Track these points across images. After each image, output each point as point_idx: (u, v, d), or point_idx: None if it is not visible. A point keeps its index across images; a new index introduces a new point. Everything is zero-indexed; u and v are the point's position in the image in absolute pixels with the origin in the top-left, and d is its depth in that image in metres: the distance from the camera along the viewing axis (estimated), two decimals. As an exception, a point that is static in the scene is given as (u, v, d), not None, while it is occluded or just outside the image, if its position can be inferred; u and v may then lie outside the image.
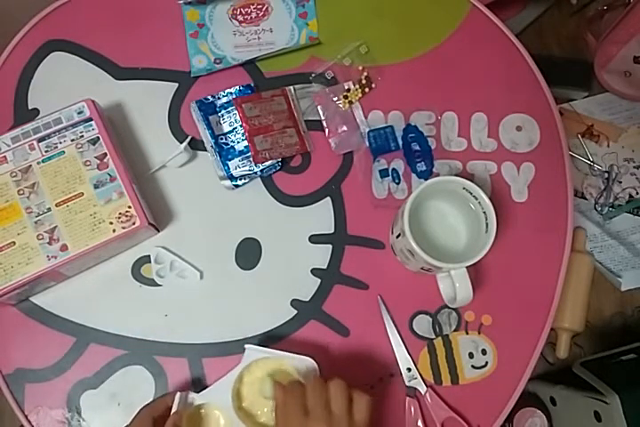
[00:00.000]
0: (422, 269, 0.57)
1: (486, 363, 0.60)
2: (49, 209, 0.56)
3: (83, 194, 0.56)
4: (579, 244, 1.11)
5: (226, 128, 0.63)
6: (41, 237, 0.55)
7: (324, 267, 0.62)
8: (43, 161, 0.57)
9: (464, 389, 0.60)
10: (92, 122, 0.58)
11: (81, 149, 0.58)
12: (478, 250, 0.52)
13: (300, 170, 0.64)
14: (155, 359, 0.59)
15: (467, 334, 0.61)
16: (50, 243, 0.55)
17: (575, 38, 1.28)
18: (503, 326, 0.61)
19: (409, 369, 0.59)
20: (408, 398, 0.58)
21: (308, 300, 0.61)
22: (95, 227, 0.56)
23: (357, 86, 0.66)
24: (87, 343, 0.59)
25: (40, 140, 0.58)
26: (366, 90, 0.66)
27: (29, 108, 0.64)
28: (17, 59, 0.66)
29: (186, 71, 0.66)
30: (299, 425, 0.45)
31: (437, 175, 0.64)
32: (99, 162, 0.57)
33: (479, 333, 0.61)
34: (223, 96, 0.64)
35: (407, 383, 0.59)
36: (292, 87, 0.65)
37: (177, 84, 0.66)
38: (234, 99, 0.63)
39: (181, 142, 0.62)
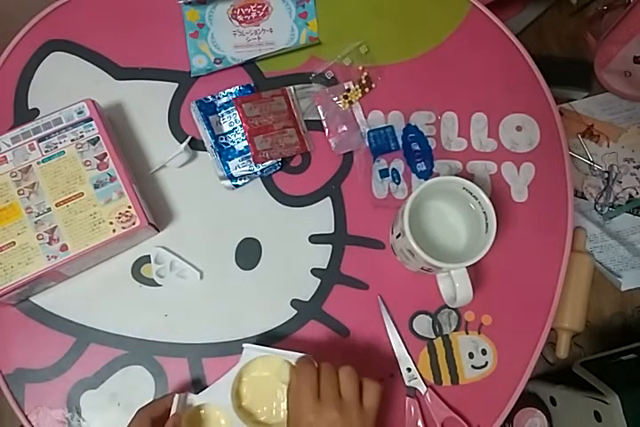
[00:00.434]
0: (422, 269, 0.57)
1: (486, 363, 0.60)
2: (49, 209, 0.56)
3: (83, 194, 0.56)
4: (579, 244, 1.11)
5: (226, 128, 0.63)
6: (41, 237, 0.55)
7: (324, 267, 0.62)
8: (43, 161, 0.57)
9: (464, 389, 0.60)
10: (92, 122, 0.58)
11: (81, 149, 0.58)
12: (478, 250, 0.52)
13: (300, 170, 0.64)
14: (155, 359, 0.59)
15: (467, 334, 0.61)
16: (50, 243, 0.55)
17: (575, 38, 1.28)
18: (503, 326, 0.61)
19: (409, 369, 0.59)
20: (408, 398, 0.58)
21: (308, 300, 0.61)
22: (95, 227, 0.56)
23: (357, 86, 0.66)
24: (87, 343, 0.59)
25: (40, 140, 0.58)
26: (366, 90, 0.66)
27: (29, 108, 0.64)
28: (17, 59, 0.66)
29: (186, 71, 0.66)
30: (309, 408, 0.46)
31: (437, 175, 0.64)
32: (99, 162, 0.57)
33: (479, 333, 0.61)
34: (223, 96, 0.64)
35: (407, 383, 0.59)
36: (291, 87, 0.65)
37: (177, 84, 0.66)
38: (234, 99, 0.63)
39: (181, 142, 0.62)
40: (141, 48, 0.66)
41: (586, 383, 0.96)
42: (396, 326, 0.60)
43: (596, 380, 0.94)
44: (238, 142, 0.63)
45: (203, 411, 0.53)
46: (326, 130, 0.65)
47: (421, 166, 0.64)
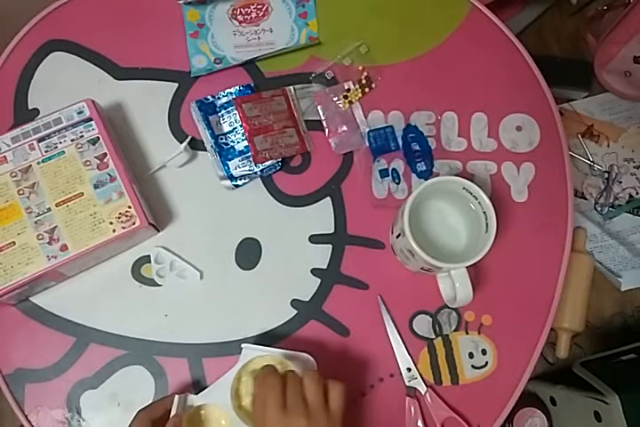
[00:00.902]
0: (422, 269, 0.57)
1: (486, 363, 0.60)
2: (49, 209, 0.56)
3: (83, 194, 0.56)
4: (579, 244, 1.11)
5: (226, 128, 0.63)
6: (41, 237, 0.55)
7: (324, 267, 0.62)
8: (43, 161, 0.57)
9: (464, 389, 0.60)
10: (92, 122, 0.58)
11: (81, 149, 0.58)
12: (478, 250, 0.52)
13: (300, 170, 0.64)
14: (155, 359, 0.59)
15: (467, 334, 0.61)
16: (50, 243, 0.55)
17: (575, 38, 1.28)
18: (503, 326, 0.61)
19: (409, 369, 0.59)
20: (408, 398, 0.58)
21: (308, 300, 0.61)
22: (95, 227, 0.56)
23: (357, 86, 0.66)
24: (87, 343, 0.59)
25: (40, 140, 0.58)
26: (366, 90, 0.66)
27: (29, 108, 0.64)
28: (17, 59, 0.66)
29: (186, 71, 0.66)
30: (276, 419, 0.45)
31: (437, 175, 0.64)
32: (99, 162, 0.57)
33: (479, 333, 0.61)
34: (223, 96, 0.64)
35: (407, 383, 0.59)
36: (291, 87, 0.65)
37: (177, 84, 0.66)
38: (234, 99, 0.63)
39: (181, 142, 0.62)
40: (141, 48, 0.66)
41: (586, 383, 0.96)
42: (396, 326, 0.60)
43: (595, 380, 0.94)
44: (238, 142, 0.63)
45: (203, 411, 0.53)
46: (326, 130, 0.65)
47: (421, 166, 0.64)
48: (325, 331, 0.60)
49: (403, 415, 0.58)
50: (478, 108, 0.66)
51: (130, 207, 0.56)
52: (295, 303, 0.61)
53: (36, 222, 0.55)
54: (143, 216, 0.56)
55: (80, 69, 0.66)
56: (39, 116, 0.63)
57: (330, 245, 0.62)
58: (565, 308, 1.05)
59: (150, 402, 0.54)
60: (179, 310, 0.60)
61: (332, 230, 0.63)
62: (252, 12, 0.67)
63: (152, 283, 0.60)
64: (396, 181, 0.64)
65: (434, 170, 0.64)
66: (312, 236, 0.62)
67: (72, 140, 0.58)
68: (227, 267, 0.61)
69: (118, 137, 0.62)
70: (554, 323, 0.62)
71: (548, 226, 0.64)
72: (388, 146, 0.64)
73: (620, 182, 1.17)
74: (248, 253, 0.62)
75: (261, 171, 0.62)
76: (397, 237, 0.57)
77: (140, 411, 0.51)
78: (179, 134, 0.64)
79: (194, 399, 0.52)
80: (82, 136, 0.58)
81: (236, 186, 0.63)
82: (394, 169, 0.64)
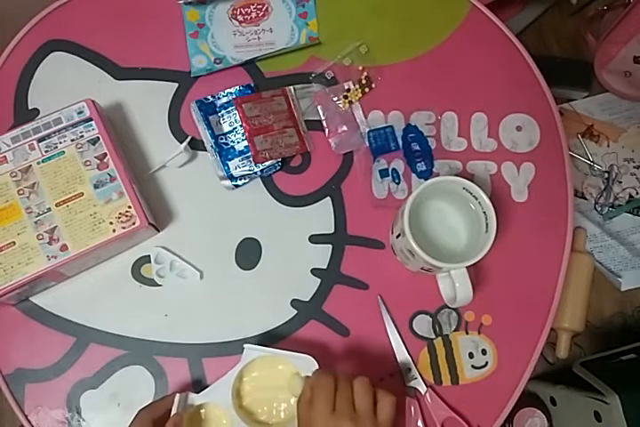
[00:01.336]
0: (422, 269, 0.57)
1: (486, 363, 0.60)
2: (49, 209, 0.56)
3: (83, 194, 0.56)
4: (579, 244, 1.11)
5: (226, 128, 0.63)
6: (41, 237, 0.55)
7: (324, 267, 0.62)
8: (43, 161, 0.57)
9: (464, 389, 0.60)
10: (92, 122, 0.58)
11: (81, 149, 0.58)
12: (478, 250, 0.52)
13: (300, 170, 0.64)
14: (155, 359, 0.59)
15: (467, 334, 0.61)
16: (50, 243, 0.55)
17: (575, 38, 1.28)
18: (503, 326, 0.61)
19: (409, 369, 0.59)
20: (408, 398, 0.58)
21: (308, 300, 0.61)
22: (95, 227, 0.56)
23: (357, 86, 0.66)
24: (87, 343, 0.59)
25: (40, 140, 0.58)
26: (366, 90, 0.66)
27: (29, 108, 0.64)
28: (17, 59, 0.66)
29: (186, 71, 0.66)
30: (324, 422, 0.45)
31: (437, 175, 0.64)
32: (99, 162, 0.57)
33: (479, 333, 0.61)
34: (223, 96, 0.64)
35: (407, 383, 0.59)
36: (291, 87, 0.65)
37: (177, 84, 0.66)
38: (234, 99, 0.63)
39: (181, 142, 0.62)
40: (141, 48, 0.66)
41: (586, 383, 0.96)
42: (396, 326, 0.60)
43: (596, 380, 0.94)
44: (238, 142, 0.63)
45: (204, 410, 0.53)
46: (326, 130, 0.65)
47: (421, 166, 0.64)
48: (325, 331, 0.60)
49: (403, 415, 0.58)
50: (478, 108, 0.66)
51: (130, 207, 0.56)
52: (295, 303, 0.61)
53: (35, 222, 0.55)
54: (143, 216, 0.56)
55: (80, 69, 0.66)
56: (39, 116, 0.63)
57: (330, 245, 0.62)
58: (565, 308, 1.05)
59: (151, 401, 0.54)
60: (179, 310, 0.60)
61: (332, 230, 0.63)
62: (252, 11, 0.67)
63: (152, 283, 0.60)
64: (396, 181, 0.64)
65: (434, 170, 0.64)
66: (312, 236, 0.62)
67: (72, 140, 0.58)
68: (227, 267, 0.61)
69: (118, 137, 0.62)
70: (554, 323, 0.62)
71: (547, 226, 0.64)
72: (387, 146, 0.64)
73: (620, 182, 1.17)
74: (248, 253, 0.62)
75: (261, 171, 0.62)
76: (397, 237, 0.57)
77: (141, 410, 0.51)
78: (179, 134, 0.64)
79: (195, 398, 0.52)
80: (82, 136, 0.58)
81: (236, 186, 0.63)
82: (394, 169, 0.64)
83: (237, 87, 0.64)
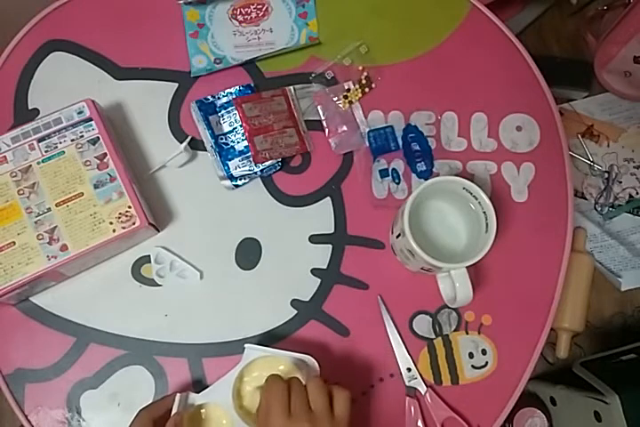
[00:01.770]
0: (422, 269, 0.57)
1: (486, 363, 0.60)
2: (49, 209, 0.56)
3: (83, 194, 0.56)
4: (579, 244, 1.11)
5: (226, 128, 0.63)
6: (41, 237, 0.55)
7: (324, 267, 0.62)
8: (43, 161, 0.57)
9: (464, 389, 0.60)
10: (92, 122, 0.58)
11: (81, 149, 0.58)
12: (478, 250, 0.52)
13: (300, 170, 0.64)
14: (155, 359, 0.59)
15: (467, 334, 0.61)
16: (50, 243, 0.55)
17: (575, 38, 1.28)
18: (503, 326, 0.61)
19: (409, 369, 0.59)
20: (408, 398, 0.58)
21: (308, 300, 0.61)
22: (95, 227, 0.56)
23: (357, 86, 0.66)
24: (87, 343, 0.59)
25: (40, 140, 0.58)
26: (366, 90, 0.66)
27: (29, 108, 0.64)
28: (17, 59, 0.66)
29: (186, 71, 0.66)
30: (281, 426, 0.45)
31: (437, 175, 0.64)
32: (99, 162, 0.57)
33: (479, 333, 0.61)
34: (223, 96, 0.64)
35: (407, 383, 0.59)
36: (292, 87, 0.65)
37: (177, 84, 0.66)
38: (234, 99, 0.63)
39: (181, 142, 0.62)
40: (141, 48, 0.66)
41: (586, 383, 0.96)
42: (396, 326, 0.60)
43: (596, 380, 0.94)
44: (238, 142, 0.63)
45: (204, 410, 0.53)
46: (326, 130, 0.65)
47: (421, 166, 0.64)
48: (325, 331, 0.60)
49: (403, 415, 0.58)
50: (478, 108, 0.66)
51: (130, 207, 0.56)
52: (295, 303, 0.61)
53: (35, 222, 0.55)
54: (143, 216, 0.56)
55: (80, 69, 0.66)
56: (39, 116, 0.63)
57: (330, 245, 0.62)
58: (565, 308, 1.05)
59: (151, 401, 0.54)
60: (179, 310, 0.60)
61: (332, 230, 0.63)
62: (252, 12, 0.67)
63: (152, 283, 0.60)
64: (396, 181, 0.64)
65: (434, 170, 0.64)
66: (312, 236, 0.62)
67: (72, 140, 0.58)
68: (227, 267, 0.61)
69: (118, 137, 0.62)
70: (554, 323, 0.62)
71: (547, 226, 0.64)
72: (387, 146, 0.64)
73: (620, 182, 1.17)
74: (248, 253, 0.62)
75: (261, 171, 0.62)
76: (397, 237, 0.57)
77: (141, 410, 0.51)
78: (179, 134, 0.64)
79: (195, 398, 0.52)
80: (82, 136, 0.58)
81: (236, 186, 0.63)
82: (394, 169, 0.64)
83: (237, 87, 0.64)
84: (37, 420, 0.57)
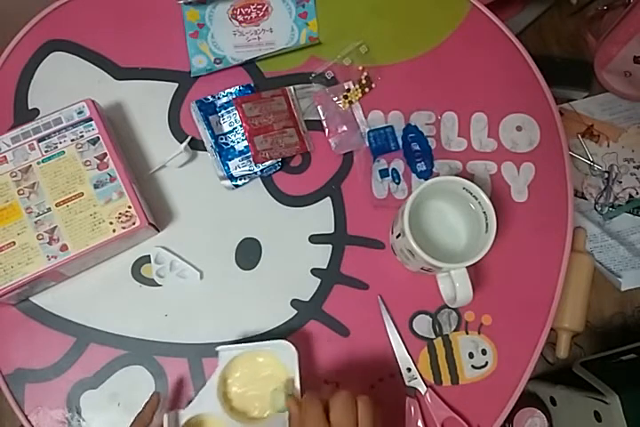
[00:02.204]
0: (422, 269, 0.57)
1: (486, 363, 0.60)
2: (49, 209, 0.56)
3: (83, 194, 0.56)
4: (579, 244, 1.11)
5: (226, 128, 0.63)
6: (41, 237, 0.55)
7: (324, 267, 0.62)
8: (43, 161, 0.57)
9: (464, 389, 0.60)
10: (92, 122, 0.58)
11: (81, 149, 0.58)
12: (478, 250, 0.52)
13: (300, 170, 0.64)
14: (155, 359, 0.59)
15: (467, 334, 0.61)
16: (50, 243, 0.55)
17: (575, 38, 1.28)
18: (503, 326, 0.61)
19: (409, 369, 0.59)
20: (408, 398, 0.58)
21: (308, 300, 0.61)
22: (95, 227, 0.56)
23: (357, 86, 0.66)
24: (87, 343, 0.59)
25: (40, 140, 0.58)
26: (366, 90, 0.66)
27: (29, 108, 0.64)
28: (17, 59, 0.66)
29: (186, 71, 0.66)
30: None
31: (437, 175, 0.64)
32: (99, 162, 0.57)
33: (479, 333, 0.61)
34: (223, 96, 0.64)
35: (407, 383, 0.59)
36: (292, 87, 0.65)
37: (177, 84, 0.66)
38: (234, 99, 0.63)
39: (181, 142, 0.62)
40: (141, 48, 0.66)
41: (586, 383, 0.96)
42: (396, 326, 0.60)
43: (596, 380, 0.94)
44: (238, 142, 0.63)
45: (198, 421, 0.53)
46: (326, 130, 0.65)
47: (421, 166, 0.64)
48: (325, 331, 0.60)
49: (403, 415, 0.58)
50: (478, 108, 0.66)
51: (130, 207, 0.56)
52: (295, 303, 0.61)
53: (35, 222, 0.55)
54: (143, 216, 0.56)
55: (80, 69, 0.66)
56: (39, 116, 0.63)
57: (330, 245, 0.62)
58: (565, 308, 1.05)
59: (137, 415, 0.53)
60: (179, 310, 0.60)
61: (332, 230, 0.63)
62: (252, 12, 0.67)
63: (152, 283, 0.60)
64: (396, 181, 0.64)
65: (434, 170, 0.64)
66: (312, 236, 0.62)
67: (72, 140, 0.58)
68: (227, 267, 0.61)
69: (118, 137, 0.62)
70: (554, 323, 0.62)
71: (548, 226, 0.64)
72: (388, 146, 0.64)
73: (620, 182, 1.17)
74: (248, 253, 0.62)
75: (261, 171, 0.62)
76: (397, 237, 0.57)
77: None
78: (179, 134, 0.64)
79: (184, 414, 0.52)
80: (82, 136, 0.58)
81: (236, 186, 0.63)
82: (394, 169, 0.64)
83: (237, 87, 0.64)
84: (37, 420, 0.57)
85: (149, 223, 0.57)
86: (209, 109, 0.63)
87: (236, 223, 0.62)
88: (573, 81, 1.19)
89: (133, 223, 0.56)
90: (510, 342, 0.61)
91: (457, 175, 0.56)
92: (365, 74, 0.66)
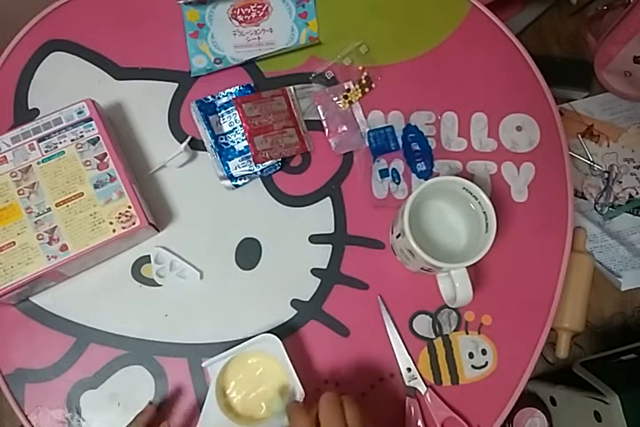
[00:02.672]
0: (422, 269, 0.57)
1: (486, 363, 0.60)
2: (49, 209, 0.56)
3: (83, 194, 0.56)
4: (579, 244, 1.11)
5: (226, 128, 0.63)
6: (41, 237, 0.55)
7: (324, 267, 0.62)
8: (43, 161, 0.57)
9: (464, 389, 0.60)
10: (92, 122, 0.58)
11: (81, 149, 0.58)
12: (478, 250, 0.52)
13: (300, 170, 0.64)
14: (155, 359, 0.59)
15: (467, 334, 0.61)
16: (50, 243, 0.55)
17: (575, 38, 1.28)
18: (503, 326, 0.61)
19: (409, 369, 0.59)
20: (408, 398, 0.58)
21: (308, 300, 0.61)
22: (95, 227, 0.56)
23: (357, 86, 0.66)
24: (87, 343, 0.59)
25: (40, 140, 0.58)
26: (366, 90, 0.66)
27: (29, 108, 0.64)
28: (17, 59, 0.66)
29: (186, 71, 0.66)
30: None
31: (437, 175, 0.64)
32: (99, 162, 0.57)
33: (479, 333, 0.61)
34: (223, 96, 0.64)
35: (407, 383, 0.59)
36: (291, 87, 0.65)
37: (177, 84, 0.66)
38: (234, 99, 0.63)
39: (181, 142, 0.62)
40: (141, 48, 0.66)
41: (586, 383, 0.96)
42: (395, 326, 0.60)
43: (596, 380, 0.94)
44: (238, 142, 0.63)
45: None
46: (326, 130, 0.65)
47: (421, 166, 0.64)
48: (325, 331, 0.60)
49: (403, 415, 0.58)
50: (478, 108, 0.66)
51: (130, 207, 0.56)
52: (295, 303, 0.61)
53: (36, 222, 0.55)
54: (143, 216, 0.56)
55: (80, 69, 0.66)
56: (39, 116, 0.63)
57: (330, 245, 0.62)
58: (565, 308, 1.05)
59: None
60: (179, 310, 0.60)
61: (332, 230, 0.63)
62: (252, 12, 0.67)
63: (152, 283, 0.60)
64: (396, 181, 0.64)
65: (434, 170, 0.64)
66: (312, 236, 0.62)
67: (72, 140, 0.58)
68: (227, 267, 0.61)
69: (118, 137, 0.62)
70: (554, 323, 0.62)
71: (548, 226, 0.64)
72: (388, 146, 0.64)
73: (620, 182, 1.17)
74: (248, 253, 0.62)
75: (261, 171, 0.62)
76: (397, 237, 0.57)
77: None
78: (179, 134, 0.64)
79: None
80: (82, 136, 0.58)
81: (236, 186, 0.63)
82: (394, 169, 0.64)
83: (237, 87, 0.64)
84: (37, 420, 0.57)
85: (149, 223, 0.57)
86: (209, 109, 0.63)
87: (236, 223, 0.62)
88: (573, 81, 1.19)
89: (133, 223, 0.56)
90: (510, 342, 0.61)
91: (457, 175, 0.56)
92: (365, 74, 0.66)
